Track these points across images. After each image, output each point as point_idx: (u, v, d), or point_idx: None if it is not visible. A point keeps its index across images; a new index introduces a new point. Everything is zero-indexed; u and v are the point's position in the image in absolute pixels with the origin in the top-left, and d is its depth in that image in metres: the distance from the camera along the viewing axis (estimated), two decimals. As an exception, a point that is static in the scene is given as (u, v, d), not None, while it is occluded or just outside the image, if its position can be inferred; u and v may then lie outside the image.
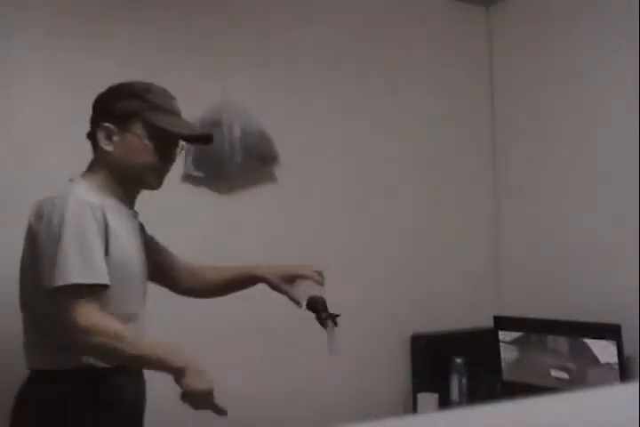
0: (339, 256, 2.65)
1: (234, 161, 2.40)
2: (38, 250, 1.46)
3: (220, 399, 1.54)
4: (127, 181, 1.61)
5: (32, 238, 1.49)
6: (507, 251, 3.00)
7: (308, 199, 2.61)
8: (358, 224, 2.71)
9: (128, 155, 1.57)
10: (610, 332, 2.29)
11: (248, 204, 2.49)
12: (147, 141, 1.57)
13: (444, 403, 2.58)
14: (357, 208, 2.72)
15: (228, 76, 2.43)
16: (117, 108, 1.58)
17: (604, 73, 2.60)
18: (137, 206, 2.25)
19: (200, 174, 2.38)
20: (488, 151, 3.05)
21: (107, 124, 1.56)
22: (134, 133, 1.57)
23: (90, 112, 1.66)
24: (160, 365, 1.48)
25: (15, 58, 2.15)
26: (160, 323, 2.26)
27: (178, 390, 1.51)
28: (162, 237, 2.09)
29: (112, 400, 1.53)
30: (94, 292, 1.44)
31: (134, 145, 1.57)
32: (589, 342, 2.38)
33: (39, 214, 1.48)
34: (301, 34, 2.64)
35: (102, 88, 2.30)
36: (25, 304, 1.57)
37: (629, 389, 0.69)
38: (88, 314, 1.41)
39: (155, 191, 2.31)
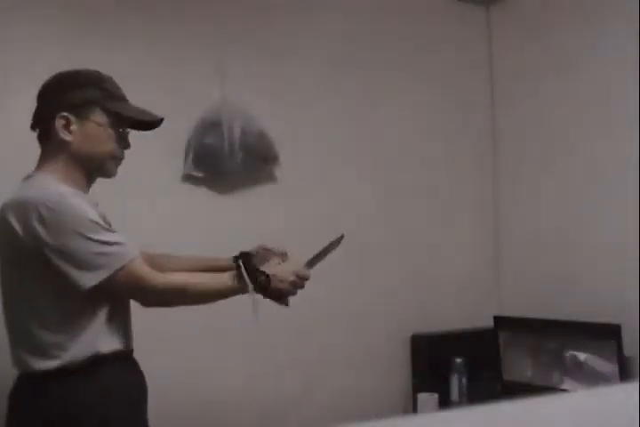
0: (339, 256, 2.64)
1: (234, 161, 2.40)
2: (51, 258, 1.43)
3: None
4: (88, 170, 1.58)
5: (23, 247, 1.45)
6: (507, 251, 3.00)
7: (307, 199, 2.61)
8: (358, 224, 2.71)
9: (89, 143, 1.55)
10: (610, 332, 2.29)
11: (248, 204, 2.49)
12: (109, 129, 1.57)
13: (444, 403, 2.58)
14: (357, 208, 2.72)
15: (228, 76, 2.43)
16: (74, 97, 1.55)
17: (604, 72, 2.60)
18: (136, 206, 2.27)
19: (200, 174, 2.38)
20: (488, 151, 3.05)
21: (65, 114, 1.53)
22: (94, 122, 1.55)
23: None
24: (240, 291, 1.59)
25: (15, 57, 2.15)
26: (162, 322, 2.26)
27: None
28: (162, 237, 2.10)
29: (104, 398, 1.50)
30: (139, 257, 1.52)
31: (96, 133, 1.56)
32: (589, 342, 2.38)
33: (25, 221, 1.43)
34: (301, 34, 2.64)
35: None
36: (19, 309, 1.53)
37: (629, 389, 0.69)
38: (158, 277, 1.53)
39: (155, 191, 2.33)
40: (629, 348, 2.30)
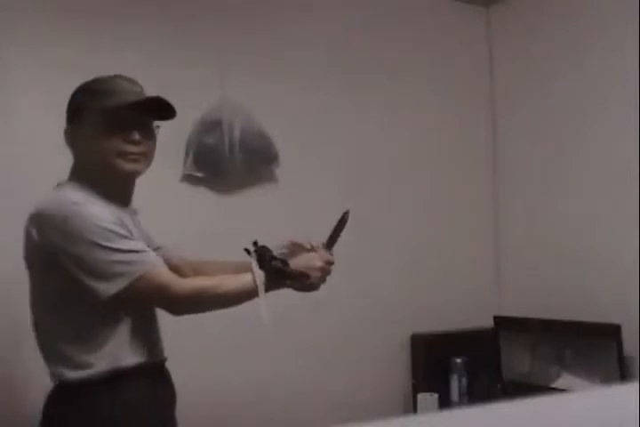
0: (339, 256, 2.64)
1: (234, 161, 2.39)
2: (69, 268, 1.42)
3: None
4: (103, 175, 1.54)
5: (43, 256, 1.46)
6: (507, 251, 3.00)
7: (307, 199, 2.61)
8: (358, 224, 2.70)
9: (88, 147, 1.53)
10: (610, 332, 2.29)
11: (248, 204, 2.49)
12: (104, 127, 1.50)
13: (444, 403, 2.58)
14: (357, 208, 2.71)
15: (228, 76, 2.43)
16: (69, 107, 1.57)
17: (604, 72, 2.60)
18: (136, 206, 2.26)
19: (200, 174, 2.38)
20: (488, 151, 3.05)
21: (67, 127, 1.56)
22: (87, 125, 1.52)
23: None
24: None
25: (16, 56, 2.15)
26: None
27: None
28: (161, 238, 2.10)
29: (127, 410, 1.48)
30: (161, 265, 1.49)
31: (90, 135, 1.52)
32: (589, 342, 2.38)
33: (43, 231, 1.44)
34: (301, 33, 2.64)
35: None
36: (44, 322, 1.53)
37: (629, 389, 0.69)
38: (180, 283, 1.48)
39: (155, 191, 2.33)
40: (629, 348, 2.30)
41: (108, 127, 1.50)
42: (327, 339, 2.60)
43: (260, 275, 1.52)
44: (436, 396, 2.56)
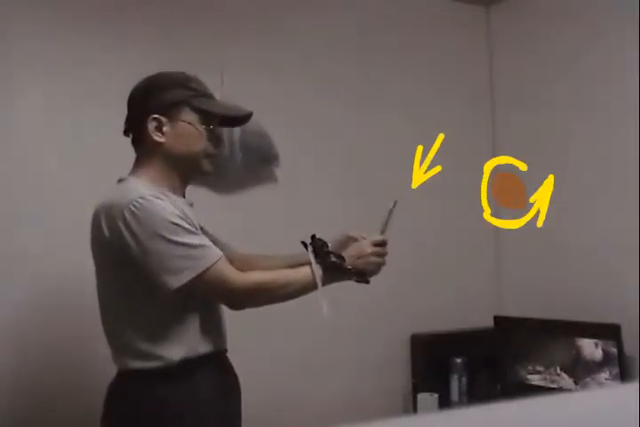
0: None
1: (234, 161, 2.39)
2: (138, 261, 1.44)
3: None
4: (182, 170, 1.59)
5: (112, 250, 1.46)
6: (506, 251, 2.99)
7: (308, 199, 2.60)
8: (358, 225, 2.70)
9: (182, 143, 1.56)
10: (610, 332, 2.29)
11: (248, 204, 2.48)
12: (200, 128, 1.57)
13: (444, 403, 2.58)
14: (357, 208, 2.72)
15: (228, 76, 2.43)
16: (164, 98, 1.55)
17: (604, 72, 2.60)
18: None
19: (200, 174, 2.38)
20: (488, 151, 3.05)
21: (156, 116, 1.54)
22: (185, 121, 1.56)
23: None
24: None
25: (17, 56, 2.15)
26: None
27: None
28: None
29: (195, 399, 1.51)
30: (222, 260, 1.49)
31: (187, 133, 1.56)
32: (589, 342, 2.38)
33: (112, 225, 1.44)
34: (301, 33, 2.64)
35: (99, 86, 2.31)
36: (112, 316, 1.55)
37: (629, 389, 0.69)
38: (241, 277, 1.50)
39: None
40: (629, 348, 2.30)
41: (206, 130, 1.58)
42: (327, 339, 2.60)
43: (317, 269, 1.55)
44: (435, 396, 2.56)
